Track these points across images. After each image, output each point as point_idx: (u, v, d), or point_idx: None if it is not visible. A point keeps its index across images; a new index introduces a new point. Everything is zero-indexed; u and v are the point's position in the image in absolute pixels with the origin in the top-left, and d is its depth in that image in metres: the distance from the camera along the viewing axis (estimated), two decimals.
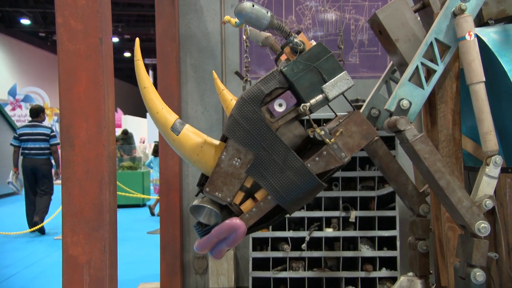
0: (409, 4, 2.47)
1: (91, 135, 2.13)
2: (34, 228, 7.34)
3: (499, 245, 3.14)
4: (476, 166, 2.53)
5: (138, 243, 7.28)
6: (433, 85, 2.28)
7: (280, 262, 4.06)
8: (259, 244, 4.12)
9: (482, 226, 2.09)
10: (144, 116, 21.13)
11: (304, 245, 3.96)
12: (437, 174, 2.12)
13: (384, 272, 3.96)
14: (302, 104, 1.94)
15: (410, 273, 2.88)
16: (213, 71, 2.68)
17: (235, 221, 1.90)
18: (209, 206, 1.93)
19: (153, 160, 10.52)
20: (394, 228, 3.96)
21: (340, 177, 3.97)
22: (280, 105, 1.97)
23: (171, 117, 1.94)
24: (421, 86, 2.25)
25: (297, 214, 3.84)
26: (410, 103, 2.22)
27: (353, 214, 3.95)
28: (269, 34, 2.56)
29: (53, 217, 7.73)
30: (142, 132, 20.81)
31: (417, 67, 2.25)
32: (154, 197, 10.34)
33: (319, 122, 2.86)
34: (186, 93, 4.51)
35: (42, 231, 7.88)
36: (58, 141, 8.15)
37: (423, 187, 2.87)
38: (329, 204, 4.07)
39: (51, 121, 18.13)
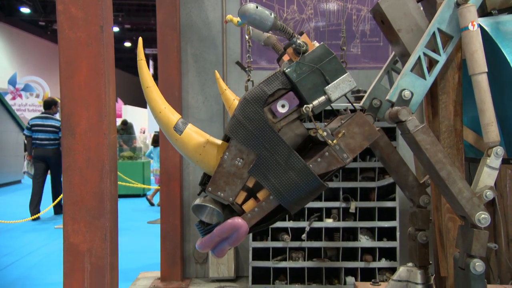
0: None
1: (92, 124, 2.13)
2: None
3: (499, 236, 3.15)
4: (477, 157, 2.52)
5: (139, 232, 7.31)
6: (435, 76, 2.27)
7: (280, 252, 4.08)
8: (259, 234, 4.13)
9: (482, 217, 2.09)
10: (145, 107, 21.11)
11: (304, 236, 3.98)
12: (438, 164, 2.12)
13: (383, 263, 3.97)
14: (305, 106, 1.95)
15: (410, 264, 2.89)
16: (216, 71, 2.68)
17: (237, 220, 1.91)
18: (211, 206, 1.94)
19: (152, 150, 10.52)
20: (394, 219, 3.97)
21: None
22: (283, 106, 1.98)
23: (173, 116, 1.95)
24: (423, 77, 2.24)
25: None
26: (412, 94, 2.21)
27: (353, 205, 3.95)
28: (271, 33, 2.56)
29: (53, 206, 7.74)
30: (142, 122, 20.81)
31: (419, 58, 2.24)
32: (154, 187, 10.36)
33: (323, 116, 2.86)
34: (187, 83, 4.50)
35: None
36: None
37: (423, 178, 2.87)
38: (329, 195, 4.07)
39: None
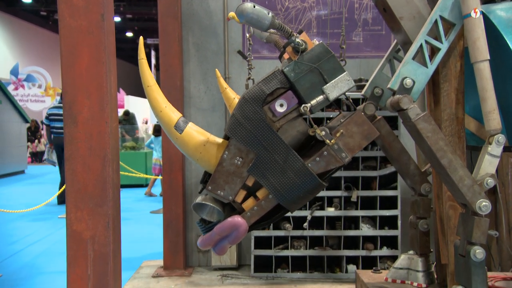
0: None
1: (93, 112, 2.14)
2: None
3: (500, 224, 3.16)
4: (479, 146, 2.52)
5: (142, 222, 7.36)
6: (437, 64, 2.26)
7: (282, 240, 4.10)
8: None
9: (483, 205, 2.10)
10: None
11: (305, 224, 3.99)
12: (439, 152, 2.12)
13: (385, 251, 3.99)
14: (303, 105, 1.95)
15: (411, 251, 2.91)
16: (216, 69, 2.68)
17: (237, 219, 1.93)
18: (211, 204, 1.96)
19: (153, 140, 10.53)
20: (396, 208, 3.99)
21: None
22: (281, 105, 1.99)
23: (174, 115, 1.96)
24: (425, 65, 2.23)
25: None
26: (414, 82, 2.21)
27: (355, 194, 3.97)
28: (273, 30, 2.55)
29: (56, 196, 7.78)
30: (145, 112, 20.80)
31: (421, 45, 2.23)
32: (151, 176, 10.34)
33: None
34: (189, 72, 4.50)
35: None
36: None
37: (425, 167, 2.87)
38: (331, 184, 4.08)
39: (53, 101, 18.13)
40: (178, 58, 4.28)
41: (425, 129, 2.12)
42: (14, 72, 17.35)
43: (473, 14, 2.13)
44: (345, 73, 1.98)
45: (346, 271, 4.02)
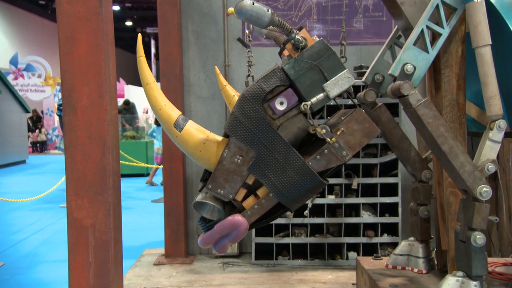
0: None
1: (92, 100, 2.12)
2: None
3: (500, 210, 3.16)
4: (479, 132, 2.51)
5: (143, 211, 7.38)
6: (438, 49, 2.24)
7: (283, 228, 4.12)
8: None
9: (484, 190, 2.09)
10: None
11: (306, 212, 4.00)
12: (440, 138, 2.11)
13: (385, 238, 4.01)
14: (303, 103, 1.94)
15: (411, 238, 2.92)
16: (216, 66, 2.66)
17: (237, 218, 1.92)
18: (211, 203, 1.96)
19: (155, 129, 10.52)
20: (396, 195, 3.99)
21: None
22: (281, 103, 1.97)
23: (173, 113, 1.95)
24: (426, 50, 2.21)
25: None
26: (415, 68, 2.19)
27: (356, 181, 3.97)
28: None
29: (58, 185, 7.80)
30: (145, 102, 20.74)
31: (422, 31, 2.21)
32: (152, 166, 10.38)
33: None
34: (188, 60, 4.47)
35: None
36: None
37: (425, 153, 2.87)
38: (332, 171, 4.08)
39: (53, 91, 18.09)
40: (178, 46, 4.26)
41: (426, 115, 2.11)
42: (14, 61, 17.29)
43: None
44: (345, 70, 1.97)
45: (347, 258, 4.04)
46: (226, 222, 1.93)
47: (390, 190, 4.04)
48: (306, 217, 4.02)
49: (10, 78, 16.47)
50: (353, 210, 4.14)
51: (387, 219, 4.00)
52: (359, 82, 3.62)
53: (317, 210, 4.10)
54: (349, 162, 3.99)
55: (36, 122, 20.04)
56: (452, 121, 2.38)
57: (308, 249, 4.05)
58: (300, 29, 2.01)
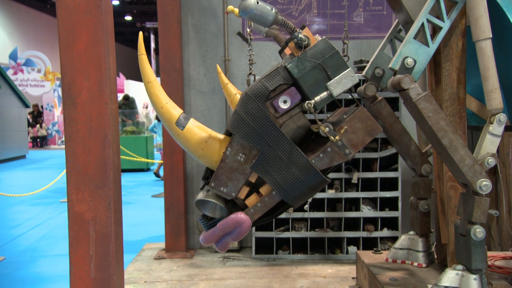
0: None
1: (93, 93, 2.12)
2: None
3: (500, 204, 3.17)
4: (480, 126, 2.52)
5: (143, 206, 7.39)
6: (439, 43, 2.24)
7: (283, 222, 4.12)
8: None
9: (484, 184, 2.10)
10: None
11: (306, 206, 4.01)
12: (440, 132, 2.12)
13: (385, 232, 4.02)
14: (307, 102, 1.95)
15: (411, 232, 2.93)
16: (217, 65, 2.66)
17: (240, 216, 1.93)
18: (214, 201, 1.97)
19: (156, 125, 10.52)
20: (396, 189, 4.00)
21: None
22: (285, 101, 1.99)
23: (175, 111, 1.95)
24: (427, 44, 2.21)
25: None
26: (415, 61, 2.19)
27: (356, 176, 3.97)
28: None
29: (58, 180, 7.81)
30: (145, 97, 20.73)
31: (422, 24, 2.21)
32: (158, 161, 10.41)
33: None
34: (188, 54, 4.46)
35: None
36: None
37: (425, 148, 2.87)
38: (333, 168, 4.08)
39: (53, 86, 18.06)
40: (177, 40, 4.24)
41: (426, 109, 2.12)
42: (13, 56, 17.24)
43: None
44: (349, 69, 1.99)
45: (347, 252, 4.05)
46: (229, 220, 1.93)
47: (390, 184, 4.05)
48: (306, 211, 4.02)
49: (9, 73, 16.44)
50: (353, 204, 4.14)
51: (387, 213, 4.01)
52: (359, 76, 3.62)
53: (317, 205, 4.10)
54: None
55: (36, 117, 20.03)
56: (452, 115, 2.38)
57: (308, 243, 4.06)
58: (302, 28, 2.02)
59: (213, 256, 4.28)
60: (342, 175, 3.99)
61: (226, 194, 1.97)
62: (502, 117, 2.13)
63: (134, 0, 22.60)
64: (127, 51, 30.44)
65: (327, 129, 1.96)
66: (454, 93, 2.38)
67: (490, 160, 2.13)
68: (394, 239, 4.01)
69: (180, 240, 4.36)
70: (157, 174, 10.13)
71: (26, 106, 15.91)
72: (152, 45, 23.95)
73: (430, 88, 2.56)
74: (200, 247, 4.56)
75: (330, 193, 4.01)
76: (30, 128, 18.93)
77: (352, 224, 4.14)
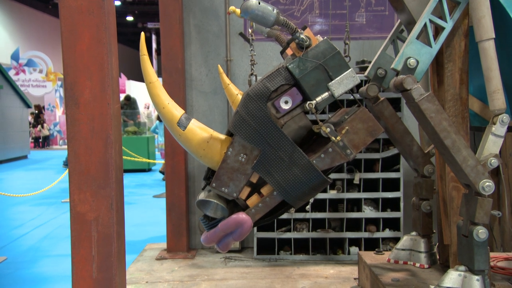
0: None
1: (95, 94, 2.12)
2: None
3: (503, 205, 3.16)
4: (482, 126, 2.51)
5: (145, 206, 7.40)
6: (441, 43, 2.24)
7: (285, 223, 4.12)
8: None
9: (487, 185, 2.09)
10: None
11: (308, 207, 4.01)
12: (442, 133, 2.11)
13: (387, 233, 4.01)
14: (308, 102, 1.95)
15: (413, 233, 2.92)
16: (219, 65, 2.66)
17: (242, 216, 1.93)
18: (215, 201, 1.97)
19: (158, 125, 10.53)
20: (398, 190, 3.99)
21: None
22: (286, 102, 1.99)
23: (177, 112, 1.95)
24: (429, 44, 2.21)
25: None
26: (417, 62, 2.19)
27: (357, 176, 3.97)
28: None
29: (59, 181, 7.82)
30: (146, 97, 20.73)
31: (425, 25, 2.20)
32: (160, 161, 10.42)
33: None
34: (190, 55, 4.46)
35: None
36: None
37: (428, 148, 2.87)
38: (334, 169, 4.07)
39: (54, 86, 18.09)
40: (179, 40, 4.25)
41: (429, 109, 2.11)
42: (15, 57, 17.28)
43: None
44: (350, 69, 1.99)
45: (349, 253, 4.04)
46: (230, 220, 1.93)
47: (392, 185, 4.04)
48: (308, 212, 4.02)
49: (11, 73, 16.48)
50: (355, 205, 4.14)
51: (389, 214, 4.00)
52: (361, 76, 3.62)
53: (319, 205, 4.10)
54: None
55: (37, 117, 20.07)
56: (455, 116, 2.38)
57: (310, 244, 4.06)
58: (304, 28, 2.02)
59: (214, 256, 4.28)
60: (344, 175, 3.99)
61: (227, 195, 1.97)
62: (505, 117, 2.12)
63: (135, 0, 22.64)
64: (129, 51, 30.47)
65: (328, 129, 1.96)
66: (457, 94, 2.38)
67: (493, 160, 2.12)
68: (396, 239, 4.00)
69: (182, 241, 4.36)
70: (162, 172, 10.15)
71: (28, 106, 15.94)
72: (154, 45, 23.98)
73: (433, 89, 2.56)
74: (201, 248, 4.56)
75: (332, 194, 4.01)
76: (32, 128, 18.96)
77: (354, 224, 4.13)
